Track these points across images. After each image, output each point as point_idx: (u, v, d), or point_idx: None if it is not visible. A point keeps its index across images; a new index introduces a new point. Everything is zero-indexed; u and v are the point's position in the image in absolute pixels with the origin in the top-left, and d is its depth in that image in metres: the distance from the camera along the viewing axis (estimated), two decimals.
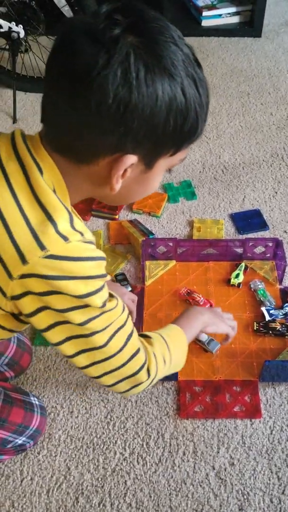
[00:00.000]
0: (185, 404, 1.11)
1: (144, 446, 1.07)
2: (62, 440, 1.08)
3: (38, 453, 1.06)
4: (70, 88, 0.58)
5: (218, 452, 1.05)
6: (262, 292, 1.30)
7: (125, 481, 1.02)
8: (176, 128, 0.62)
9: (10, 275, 0.64)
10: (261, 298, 1.29)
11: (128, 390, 0.85)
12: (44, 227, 0.63)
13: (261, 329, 1.22)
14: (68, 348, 0.74)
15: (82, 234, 0.66)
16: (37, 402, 1.05)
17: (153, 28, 0.59)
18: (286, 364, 1.12)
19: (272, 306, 1.27)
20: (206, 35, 2.35)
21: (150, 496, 1.00)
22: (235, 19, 2.36)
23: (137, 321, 1.23)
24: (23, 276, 0.64)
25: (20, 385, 1.16)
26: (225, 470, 1.03)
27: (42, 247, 0.62)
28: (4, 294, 0.67)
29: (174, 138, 0.64)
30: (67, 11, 1.87)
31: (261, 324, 1.23)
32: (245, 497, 0.99)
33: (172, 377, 1.14)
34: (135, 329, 0.81)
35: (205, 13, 2.33)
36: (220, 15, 2.35)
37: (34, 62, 2.03)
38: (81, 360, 0.76)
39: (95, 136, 0.61)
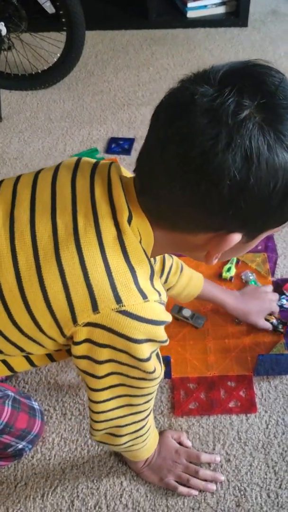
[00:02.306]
0: (179, 402, 1.10)
1: None
2: (56, 443, 1.07)
3: (32, 457, 1.05)
4: (180, 165, 0.54)
5: (214, 449, 1.04)
6: (253, 283, 1.29)
7: (121, 482, 1.01)
8: None
9: (75, 321, 0.61)
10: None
11: (125, 443, 0.86)
12: (124, 279, 0.59)
13: None
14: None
15: (160, 294, 0.63)
16: (38, 407, 1.03)
17: (279, 104, 0.52)
18: (280, 358, 1.11)
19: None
20: (192, 27, 2.33)
21: (147, 496, 0.99)
22: (221, 10, 2.34)
23: None
24: (88, 324, 0.61)
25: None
26: (221, 466, 1.02)
27: (118, 300, 0.59)
28: (64, 335, 0.64)
29: (285, 215, 0.59)
30: (48, 7, 1.85)
31: None
32: (242, 493, 0.98)
33: (166, 374, 1.13)
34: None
35: (190, 4, 2.30)
36: (205, 6, 2.32)
37: (18, 59, 2.01)
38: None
39: (198, 214, 0.57)
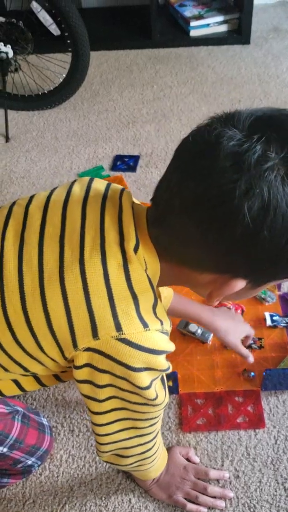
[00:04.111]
0: (187, 418, 1.10)
1: None
2: (64, 460, 1.06)
3: (40, 475, 1.05)
4: (196, 202, 0.53)
5: (223, 465, 1.03)
6: None
7: (129, 499, 1.00)
8: None
9: (75, 345, 0.61)
10: (261, 296, 1.29)
11: (130, 464, 0.86)
12: (126, 307, 0.59)
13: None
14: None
15: (162, 323, 0.63)
16: (46, 423, 1.04)
17: None
18: (287, 372, 1.10)
19: (277, 314, 1.25)
20: (195, 45, 2.37)
21: None
22: (223, 28, 2.38)
23: None
24: (88, 349, 0.61)
25: None
26: (230, 483, 1.01)
27: (118, 328, 0.59)
28: (65, 358, 0.65)
29: None
30: (54, 29, 1.89)
31: None
32: (251, 510, 0.97)
33: (173, 390, 1.13)
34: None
35: (193, 23, 2.34)
36: (208, 25, 2.36)
37: (24, 81, 2.05)
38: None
39: (206, 253, 0.57)
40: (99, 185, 0.72)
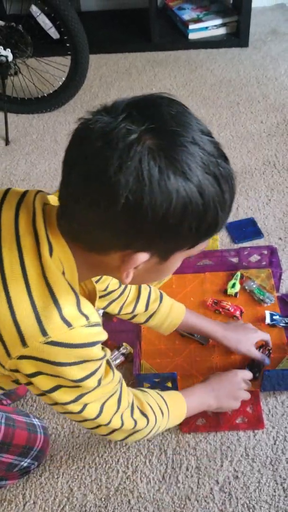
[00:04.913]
0: (186, 418, 1.10)
1: (147, 463, 1.05)
2: (64, 461, 1.07)
3: (40, 476, 1.05)
4: (82, 186, 0.58)
5: (222, 466, 1.04)
6: (257, 291, 1.31)
7: (129, 500, 1.01)
8: (192, 229, 0.59)
9: (8, 354, 0.64)
10: (260, 297, 1.29)
11: (125, 438, 0.87)
12: (48, 312, 0.62)
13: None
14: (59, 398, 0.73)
15: (87, 318, 0.65)
16: (39, 423, 1.04)
17: (172, 130, 0.56)
18: (287, 373, 1.11)
19: (278, 313, 1.26)
20: (193, 48, 2.38)
21: None
22: (222, 31, 2.39)
23: (135, 337, 1.22)
24: (21, 357, 0.64)
25: (20, 407, 1.16)
26: (230, 483, 1.01)
27: (44, 333, 0.61)
28: (3, 366, 0.67)
29: (190, 237, 0.61)
30: (53, 33, 1.90)
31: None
32: (250, 510, 0.98)
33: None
34: (125, 390, 0.83)
35: (191, 26, 2.35)
36: (206, 28, 2.37)
37: (24, 84, 2.06)
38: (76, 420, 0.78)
39: (105, 234, 0.60)
40: (15, 192, 0.73)
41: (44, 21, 1.94)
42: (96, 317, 0.68)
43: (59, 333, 0.62)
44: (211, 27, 2.37)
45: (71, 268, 0.66)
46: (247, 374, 1.10)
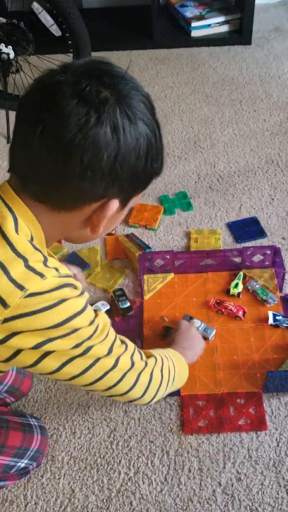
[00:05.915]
0: (189, 420, 1.10)
1: (149, 464, 1.05)
2: (66, 461, 1.06)
3: (42, 476, 1.04)
4: (60, 144, 0.61)
5: (224, 468, 1.03)
6: (260, 291, 1.30)
7: (131, 501, 1.00)
8: (150, 169, 0.69)
9: None
10: (263, 297, 1.28)
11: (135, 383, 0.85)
12: (19, 270, 0.64)
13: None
14: (68, 370, 0.73)
15: (57, 270, 0.67)
16: (36, 423, 1.04)
17: (128, 85, 0.65)
18: None
19: (281, 313, 1.25)
20: (196, 45, 2.36)
21: None
22: (225, 28, 2.37)
23: (137, 337, 1.22)
24: (5, 321, 0.64)
25: (22, 407, 1.15)
26: (232, 485, 1.01)
27: (21, 287, 0.63)
28: None
29: (147, 177, 0.71)
30: (55, 30, 1.89)
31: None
32: None
33: (175, 392, 1.12)
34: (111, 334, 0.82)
35: (194, 24, 2.34)
36: (209, 25, 2.36)
37: (25, 81, 2.04)
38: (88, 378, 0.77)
39: (82, 186, 0.64)
40: None
41: (46, 18, 1.93)
42: (66, 270, 0.70)
43: (34, 284, 0.64)
44: (214, 24, 2.36)
45: (38, 232, 0.69)
46: (195, 323, 1.21)
